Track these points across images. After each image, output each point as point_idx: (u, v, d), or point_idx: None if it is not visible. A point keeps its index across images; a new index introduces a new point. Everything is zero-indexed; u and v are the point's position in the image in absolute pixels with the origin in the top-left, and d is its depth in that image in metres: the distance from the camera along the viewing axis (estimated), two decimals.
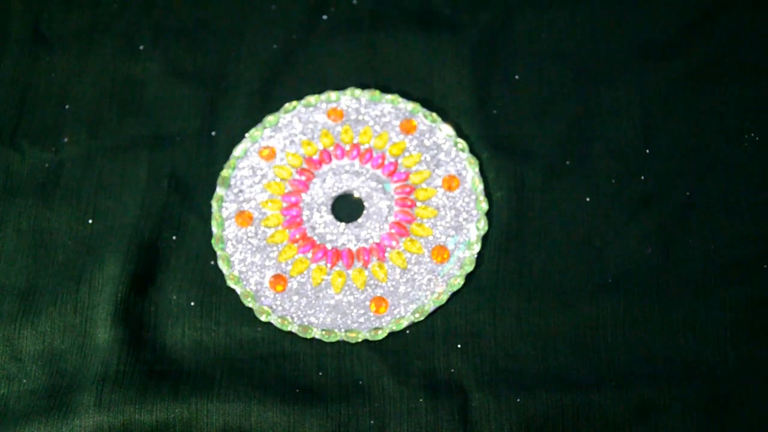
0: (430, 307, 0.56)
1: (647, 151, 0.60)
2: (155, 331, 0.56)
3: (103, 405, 0.53)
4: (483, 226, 0.58)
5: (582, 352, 0.55)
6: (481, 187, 0.59)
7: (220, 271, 0.57)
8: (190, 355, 0.55)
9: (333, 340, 0.55)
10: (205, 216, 0.59)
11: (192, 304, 0.56)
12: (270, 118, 0.61)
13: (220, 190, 0.59)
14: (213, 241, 0.57)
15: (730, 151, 0.60)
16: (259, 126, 0.61)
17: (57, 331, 0.56)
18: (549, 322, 0.56)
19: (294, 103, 0.61)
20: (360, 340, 0.55)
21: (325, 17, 0.65)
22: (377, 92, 0.61)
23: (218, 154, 0.61)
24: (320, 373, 0.55)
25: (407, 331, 0.56)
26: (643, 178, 0.59)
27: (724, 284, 0.56)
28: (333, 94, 0.61)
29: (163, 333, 0.56)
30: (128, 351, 0.55)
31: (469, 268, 0.57)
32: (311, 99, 0.61)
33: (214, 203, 0.59)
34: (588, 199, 0.59)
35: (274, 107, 0.62)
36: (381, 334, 0.55)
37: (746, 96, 0.61)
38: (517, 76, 0.63)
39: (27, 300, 0.56)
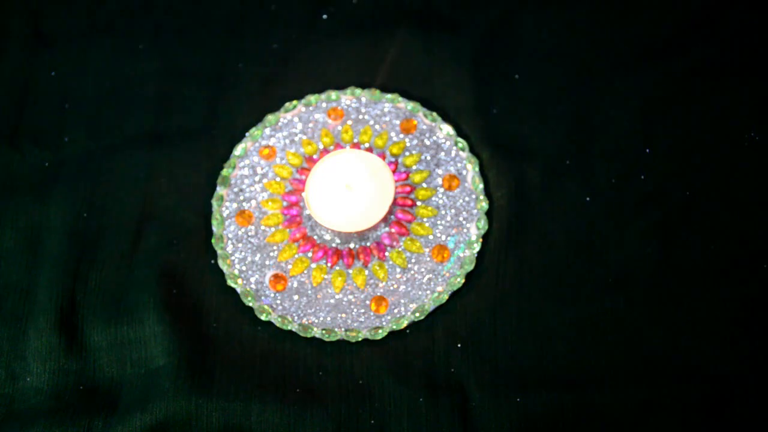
0: (430, 307, 0.56)
1: (647, 151, 0.60)
2: (155, 328, 0.56)
3: None
4: (483, 225, 0.58)
5: (582, 351, 0.55)
6: (481, 186, 0.59)
7: (220, 270, 0.57)
8: (190, 354, 0.55)
9: (333, 339, 0.55)
10: (205, 215, 0.59)
11: (192, 302, 0.56)
12: (270, 117, 0.61)
13: (220, 189, 0.59)
14: (213, 240, 0.57)
15: (730, 151, 0.60)
16: (260, 125, 0.61)
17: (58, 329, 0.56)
18: (549, 322, 0.56)
19: (294, 102, 0.61)
20: (360, 339, 0.55)
21: (325, 17, 0.65)
22: (377, 91, 0.61)
23: (218, 154, 0.61)
24: (320, 373, 0.55)
25: (407, 331, 0.56)
26: (643, 177, 0.59)
27: (724, 284, 0.56)
28: (333, 94, 0.61)
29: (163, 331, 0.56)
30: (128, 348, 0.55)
31: (469, 267, 0.57)
32: (311, 98, 0.61)
33: (214, 202, 0.58)
34: (588, 199, 0.59)
35: (275, 106, 0.62)
36: (381, 334, 0.55)
37: (746, 96, 0.61)
38: (517, 76, 0.63)
39: (28, 298, 0.56)
